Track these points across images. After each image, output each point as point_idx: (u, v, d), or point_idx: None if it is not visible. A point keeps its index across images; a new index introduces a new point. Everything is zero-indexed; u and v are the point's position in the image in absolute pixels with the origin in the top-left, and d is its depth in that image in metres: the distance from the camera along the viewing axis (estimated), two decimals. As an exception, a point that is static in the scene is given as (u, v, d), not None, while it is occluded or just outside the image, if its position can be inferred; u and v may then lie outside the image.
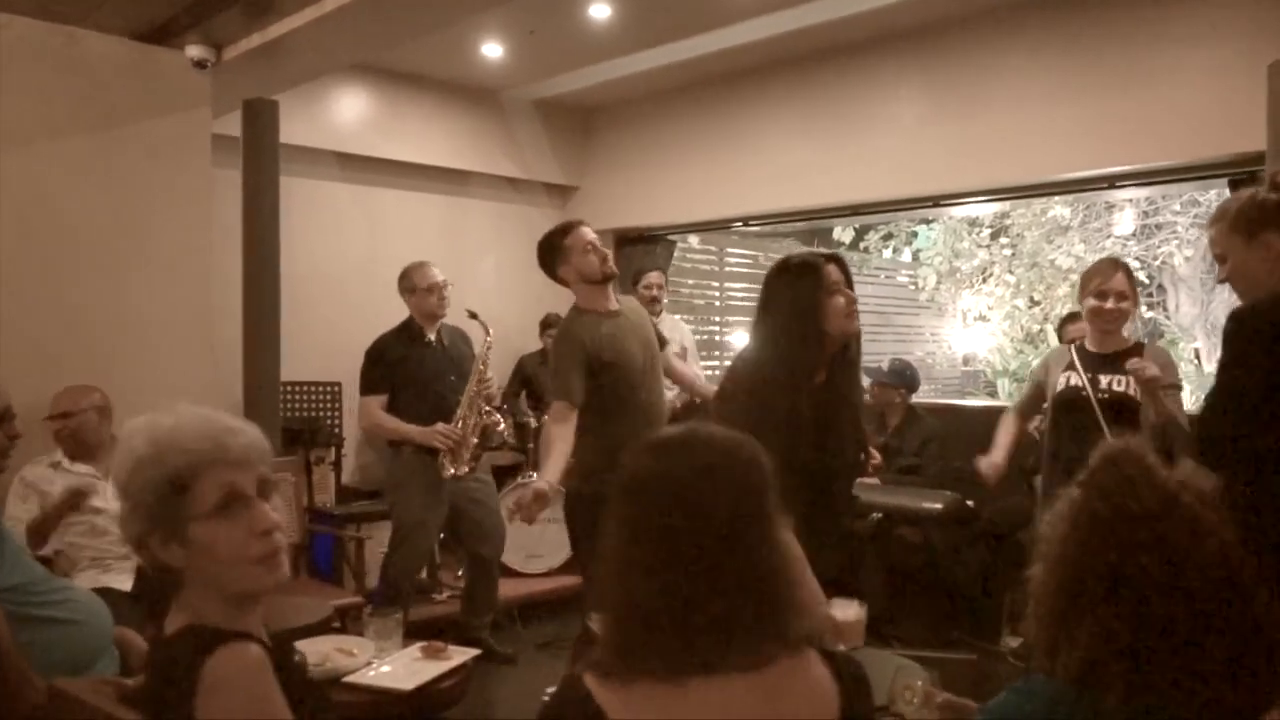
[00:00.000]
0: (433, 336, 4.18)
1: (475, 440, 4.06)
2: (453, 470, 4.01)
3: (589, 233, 3.31)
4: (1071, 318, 4.31)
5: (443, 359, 4.18)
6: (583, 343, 3.14)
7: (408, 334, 4.18)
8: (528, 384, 5.64)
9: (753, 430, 1.26)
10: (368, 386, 4.13)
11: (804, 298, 2.30)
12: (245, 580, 1.33)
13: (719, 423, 1.31)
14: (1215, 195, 7.37)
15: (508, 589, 4.66)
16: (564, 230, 3.32)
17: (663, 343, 3.46)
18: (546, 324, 5.55)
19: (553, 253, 3.30)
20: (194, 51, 3.97)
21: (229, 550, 1.32)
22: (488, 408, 4.09)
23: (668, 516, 1.14)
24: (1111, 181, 4.55)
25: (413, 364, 4.11)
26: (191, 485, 1.31)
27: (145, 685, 1.43)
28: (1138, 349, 3.17)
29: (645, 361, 3.26)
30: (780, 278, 2.38)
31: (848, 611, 2.29)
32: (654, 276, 5.38)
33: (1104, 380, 3.12)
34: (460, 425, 4.04)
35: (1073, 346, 3.32)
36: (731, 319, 8.39)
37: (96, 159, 3.86)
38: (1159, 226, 8.39)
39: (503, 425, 4.20)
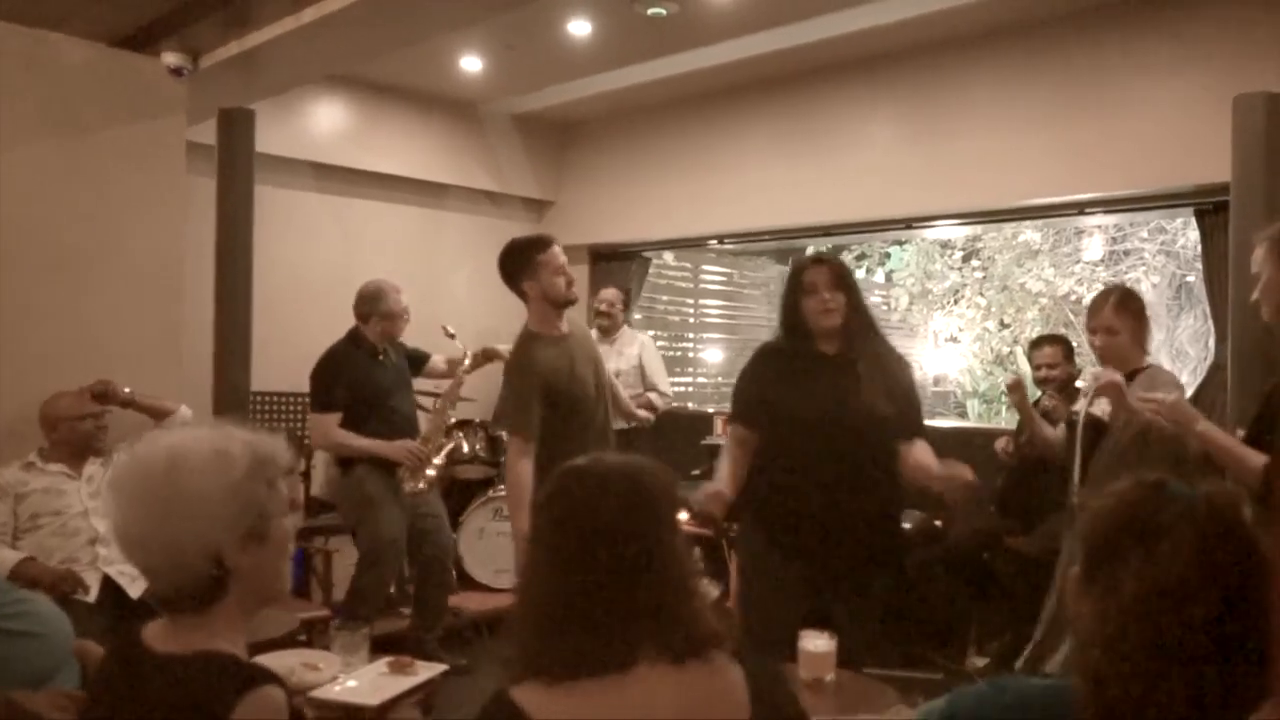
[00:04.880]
0: (383, 352, 4.17)
1: (438, 460, 4.07)
2: (411, 485, 4.01)
3: (561, 254, 3.23)
4: (1039, 342, 4.34)
5: (395, 374, 4.19)
6: (542, 373, 3.09)
7: (362, 349, 4.12)
8: None
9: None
10: (325, 404, 4.04)
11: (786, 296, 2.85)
12: (283, 582, 1.45)
13: None
14: (1181, 224, 7.51)
15: (476, 603, 4.65)
16: (540, 244, 3.22)
17: None
18: None
19: (524, 264, 3.17)
20: (170, 59, 3.95)
21: (286, 548, 1.42)
22: (450, 429, 4.14)
23: (570, 533, 1.29)
24: (1081, 208, 4.62)
25: (371, 381, 4.08)
26: (276, 484, 1.40)
27: (119, 697, 1.37)
28: (1135, 375, 3.02)
29: (597, 385, 3.24)
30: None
31: (817, 643, 2.33)
32: (609, 294, 5.41)
33: (1082, 404, 3.08)
34: (425, 443, 4.06)
35: None
36: (706, 335, 8.41)
37: (69, 165, 3.81)
38: (1127, 253, 8.51)
39: (468, 449, 4.22)
